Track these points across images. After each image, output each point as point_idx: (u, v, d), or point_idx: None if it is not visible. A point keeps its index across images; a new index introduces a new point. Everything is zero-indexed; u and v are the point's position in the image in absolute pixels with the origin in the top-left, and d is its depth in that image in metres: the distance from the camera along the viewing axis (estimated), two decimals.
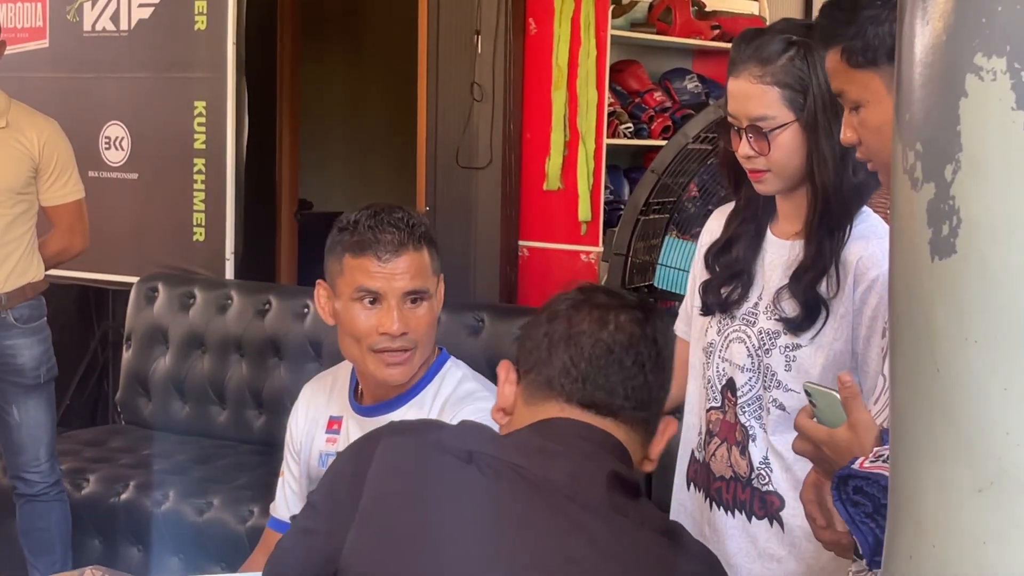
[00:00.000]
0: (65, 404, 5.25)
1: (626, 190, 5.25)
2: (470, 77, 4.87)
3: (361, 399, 2.38)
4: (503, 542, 1.52)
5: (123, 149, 5.09)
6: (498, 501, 1.54)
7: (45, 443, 3.89)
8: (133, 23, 5.06)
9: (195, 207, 4.94)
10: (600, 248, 4.79)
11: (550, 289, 4.93)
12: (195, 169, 4.93)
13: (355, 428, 2.31)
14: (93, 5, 5.13)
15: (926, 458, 0.97)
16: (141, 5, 5.04)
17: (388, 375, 2.25)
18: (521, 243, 4.96)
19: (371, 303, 2.23)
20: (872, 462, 1.62)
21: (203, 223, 4.93)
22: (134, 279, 4.85)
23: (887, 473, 1.05)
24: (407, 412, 2.27)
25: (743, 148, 2.17)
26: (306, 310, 4.35)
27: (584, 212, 4.80)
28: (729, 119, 2.21)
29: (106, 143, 5.12)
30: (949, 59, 0.90)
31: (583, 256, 4.86)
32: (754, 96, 2.15)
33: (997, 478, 0.89)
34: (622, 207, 4.79)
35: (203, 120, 4.89)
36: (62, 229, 3.93)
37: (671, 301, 4.07)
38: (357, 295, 2.23)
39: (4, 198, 3.73)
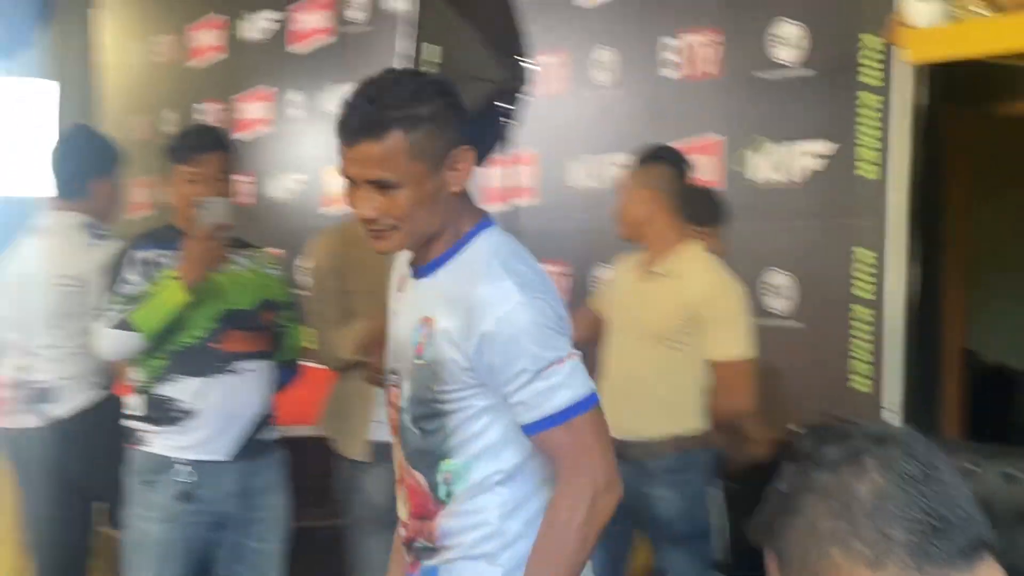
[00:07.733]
0: None
1: None
2: None
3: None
4: None
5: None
6: None
7: None
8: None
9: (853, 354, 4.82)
10: None
11: None
12: (851, 315, 4.82)
13: (408, 286, 2.43)
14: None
15: None
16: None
17: (374, 247, 2.34)
18: None
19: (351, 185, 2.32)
20: None
21: (867, 373, 4.79)
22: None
23: None
24: (438, 276, 2.33)
25: None
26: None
27: None
28: None
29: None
30: None
31: None
32: None
33: None
34: None
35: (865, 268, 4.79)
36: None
37: None
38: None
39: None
